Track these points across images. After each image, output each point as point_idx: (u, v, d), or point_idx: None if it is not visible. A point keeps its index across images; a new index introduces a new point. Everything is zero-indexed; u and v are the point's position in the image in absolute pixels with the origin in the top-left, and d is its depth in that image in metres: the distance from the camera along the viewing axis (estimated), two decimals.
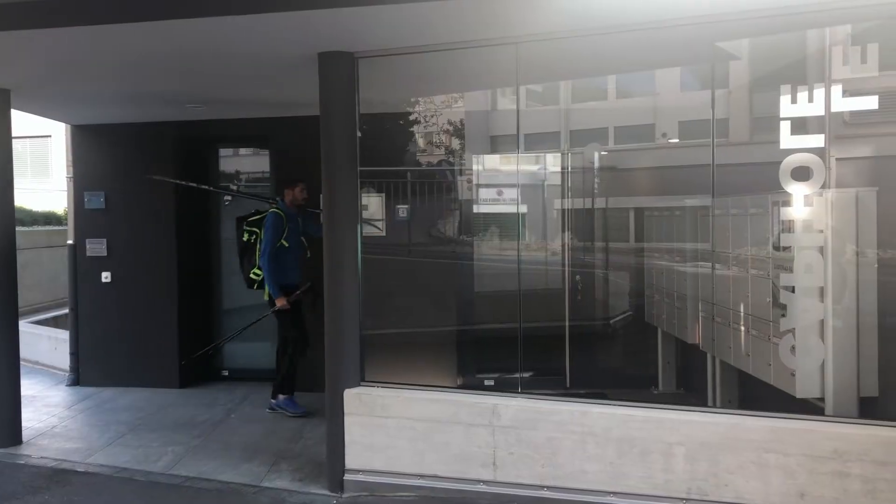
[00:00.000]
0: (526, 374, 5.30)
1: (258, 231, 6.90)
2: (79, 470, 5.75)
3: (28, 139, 18.87)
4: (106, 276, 8.15)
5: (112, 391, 7.99)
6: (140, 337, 8.10)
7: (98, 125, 8.08)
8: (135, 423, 6.86)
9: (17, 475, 5.63)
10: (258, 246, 6.88)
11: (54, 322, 10.86)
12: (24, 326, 9.54)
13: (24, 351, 8.90)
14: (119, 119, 7.86)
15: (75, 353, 8.33)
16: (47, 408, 7.45)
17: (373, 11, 4.36)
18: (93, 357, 8.26)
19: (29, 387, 8.13)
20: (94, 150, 8.19)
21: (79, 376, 8.29)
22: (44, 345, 9.37)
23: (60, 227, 13.01)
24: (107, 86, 6.29)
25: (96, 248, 8.16)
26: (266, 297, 6.91)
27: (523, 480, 4.83)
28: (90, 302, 8.25)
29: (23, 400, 6.62)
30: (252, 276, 6.98)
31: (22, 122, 7.87)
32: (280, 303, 6.76)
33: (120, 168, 8.12)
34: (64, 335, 8.78)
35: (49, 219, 15.04)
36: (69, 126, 8.32)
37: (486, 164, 7.57)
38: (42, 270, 12.38)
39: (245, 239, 7.00)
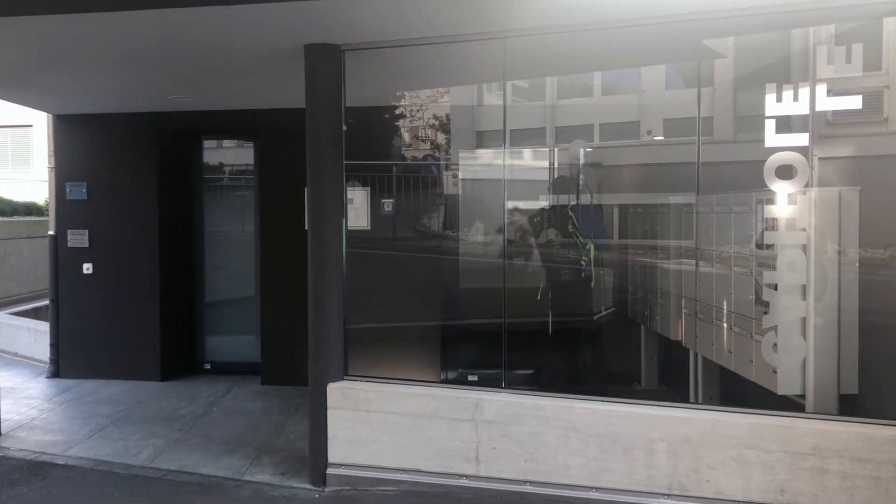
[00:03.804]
0: (510, 370, 5.30)
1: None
2: (58, 463, 5.70)
3: (9, 128, 18.65)
4: (87, 268, 8.07)
5: (93, 383, 7.92)
6: (122, 329, 8.03)
7: (81, 115, 7.99)
8: (115, 416, 6.81)
9: None
10: (576, 233, 6.71)
11: (34, 313, 10.74)
12: (4, 318, 9.45)
13: (4, 343, 8.83)
14: (102, 109, 7.78)
15: (55, 345, 8.24)
16: (27, 400, 7.37)
17: (361, 3, 4.33)
18: (73, 349, 8.18)
19: (8, 379, 8.04)
20: (77, 140, 8.11)
21: (59, 368, 8.21)
22: (23, 336, 9.27)
23: (41, 218, 12.86)
24: (90, 76, 6.21)
25: (78, 239, 8.09)
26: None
27: (506, 475, 4.85)
28: (71, 293, 8.17)
29: (1, 392, 6.56)
30: (581, 262, 6.79)
31: (2, 110, 7.77)
32: None
33: (103, 158, 8.04)
34: (44, 327, 8.69)
35: (30, 209, 14.84)
36: (51, 115, 8.23)
37: (472, 159, 7.56)
38: (22, 261, 12.23)
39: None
